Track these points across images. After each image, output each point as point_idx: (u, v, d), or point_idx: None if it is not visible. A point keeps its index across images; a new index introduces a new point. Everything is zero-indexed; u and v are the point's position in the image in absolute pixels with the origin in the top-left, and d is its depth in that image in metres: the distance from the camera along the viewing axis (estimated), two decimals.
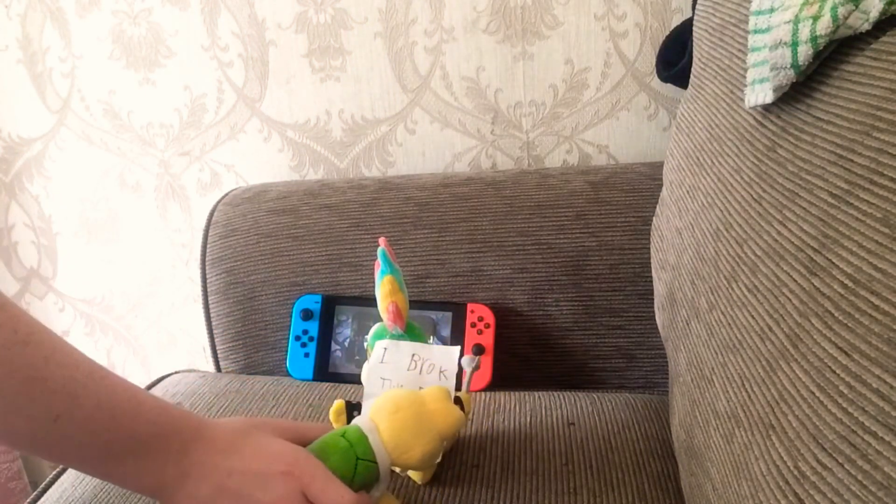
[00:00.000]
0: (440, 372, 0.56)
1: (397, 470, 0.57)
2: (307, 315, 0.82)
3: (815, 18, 0.36)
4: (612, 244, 0.80)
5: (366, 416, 0.53)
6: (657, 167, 0.80)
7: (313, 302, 0.83)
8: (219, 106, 0.98)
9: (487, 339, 0.79)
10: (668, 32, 0.87)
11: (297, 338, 0.82)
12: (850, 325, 0.31)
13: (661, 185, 0.70)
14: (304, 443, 0.51)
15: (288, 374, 0.82)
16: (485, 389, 0.76)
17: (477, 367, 0.60)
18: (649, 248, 0.72)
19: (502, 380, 0.79)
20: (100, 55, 0.98)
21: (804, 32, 0.37)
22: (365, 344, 0.70)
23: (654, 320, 0.69)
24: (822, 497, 0.30)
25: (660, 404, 0.70)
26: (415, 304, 0.75)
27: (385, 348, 0.57)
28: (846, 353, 0.31)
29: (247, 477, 0.46)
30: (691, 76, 0.64)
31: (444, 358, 0.57)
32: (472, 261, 0.82)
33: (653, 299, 0.69)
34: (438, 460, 0.56)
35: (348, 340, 0.82)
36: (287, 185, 0.92)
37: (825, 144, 0.36)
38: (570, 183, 0.84)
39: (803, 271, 0.35)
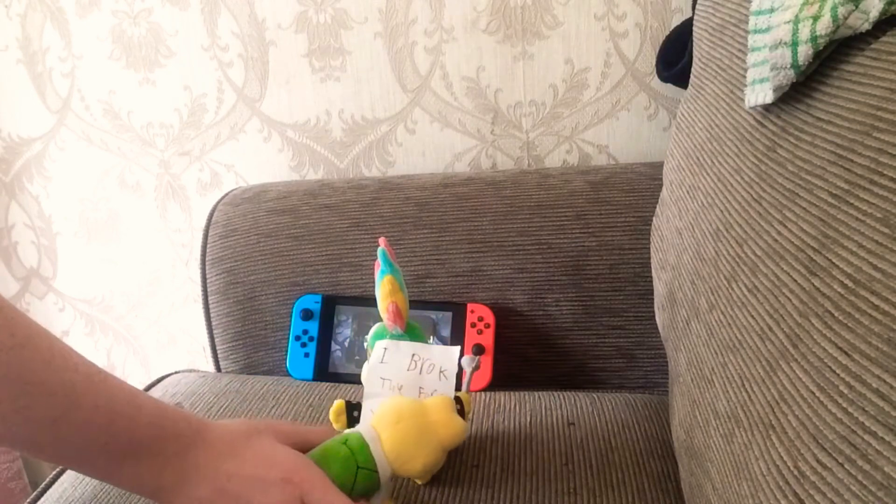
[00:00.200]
0: (440, 372, 0.56)
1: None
2: (307, 315, 0.82)
3: (815, 18, 0.36)
4: (612, 244, 0.80)
5: (368, 423, 0.53)
6: (657, 167, 0.80)
7: (313, 302, 0.83)
8: (219, 106, 0.98)
9: (487, 339, 0.79)
10: (668, 32, 0.87)
11: (297, 338, 0.82)
12: (850, 325, 0.31)
13: (661, 185, 0.70)
14: (306, 447, 0.51)
15: (288, 374, 0.82)
16: (485, 389, 0.76)
17: (477, 367, 0.60)
18: (649, 248, 0.72)
19: (502, 380, 0.79)
20: (100, 55, 0.98)
21: (804, 32, 0.37)
22: (365, 344, 0.70)
23: (654, 320, 0.69)
24: (822, 497, 0.30)
25: (660, 404, 0.70)
26: (415, 304, 0.75)
27: (385, 348, 0.57)
28: (846, 353, 0.31)
29: (246, 481, 0.46)
30: (691, 76, 0.64)
31: (444, 358, 0.57)
32: (472, 261, 0.82)
33: (653, 299, 0.69)
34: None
35: (348, 340, 0.82)
36: (287, 185, 0.92)
37: (825, 144, 0.36)
38: (570, 183, 0.84)
39: (803, 271, 0.35)
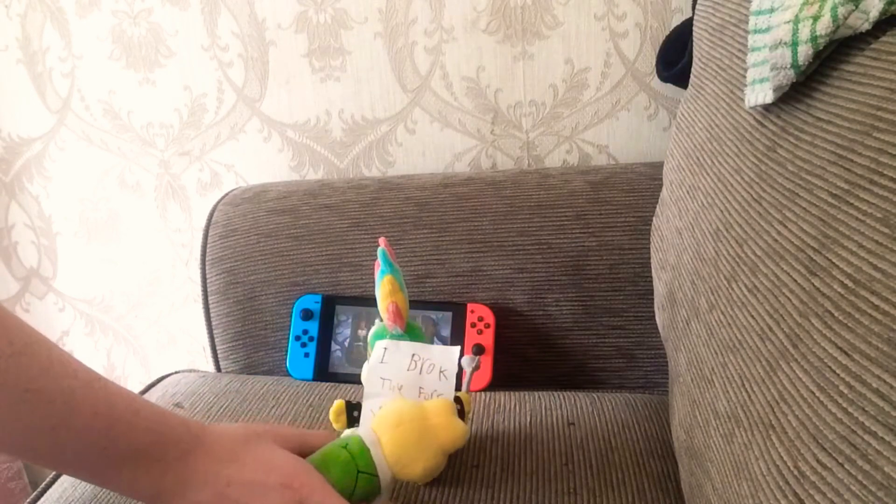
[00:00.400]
0: (440, 372, 0.56)
1: None
2: (307, 315, 0.82)
3: (815, 18, 0.36)
4: (612, 244, 0.80)
5: (368, 427, 0.53)
6: (657, 167, 0.80)
7: (313, 302, 0.83)
8: (219, 106, 0.98)
9: (487, 339, 0.79)
10: (668, 32, 0.87)
11: (297, 338, 0.82)
12: (850, 325, 0.31)
13: (661, 185, 0.70)
14: (305, 451, 0.51)
15: (288, 374, 0.82)
16: (485, 389, 0.76)
17: (477, 367, 0.60)
18: (649, 248, 0.72)
19: (502, 380, 0.79)
20: (100, 55, 0.98)
21: (804, 32, 0.37)
22: (364, 342, 0.70)
23: (654, 320, 0.69)
24: (822, 497, 0.30)
25: (660, 404, 0.70)
26: (415, 304, 0.75)
27: (385, 348, 0.57)
28: (846, 353, 0.31)
29: (246, 487, 0.46)
30: (691, 76, 0.64)
31: (444, 358, 0.57)
32: (472, 261, 0.82)
33: (653, 299, 0.69)
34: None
35: (348, 340, 0.82)
36: (287, 185, 0.92)
37: (825, 144, 0.36)
38: (570, 183, 0.84)
39: (803, 271, 0.35)
